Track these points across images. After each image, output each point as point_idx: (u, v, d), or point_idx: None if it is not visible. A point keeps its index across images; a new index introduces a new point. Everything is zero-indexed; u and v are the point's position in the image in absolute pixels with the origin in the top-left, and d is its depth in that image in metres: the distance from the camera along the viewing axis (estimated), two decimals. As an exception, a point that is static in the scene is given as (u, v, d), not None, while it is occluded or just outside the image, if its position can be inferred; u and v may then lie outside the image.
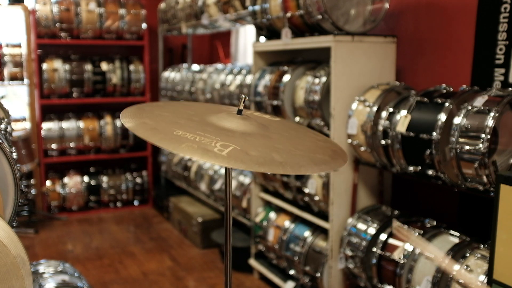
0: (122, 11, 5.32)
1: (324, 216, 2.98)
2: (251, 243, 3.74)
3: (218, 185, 4.39)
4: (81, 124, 5.35)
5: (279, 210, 3.50)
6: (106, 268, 3.94)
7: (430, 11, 2.88)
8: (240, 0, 4.00)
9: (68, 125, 5.32)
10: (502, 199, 1.82)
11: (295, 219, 3.31)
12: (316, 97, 2.91)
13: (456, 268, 1.07)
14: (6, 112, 2.06)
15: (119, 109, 1.36)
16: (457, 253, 2.24)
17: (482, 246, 2.23)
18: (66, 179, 5.34)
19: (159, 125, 1.23)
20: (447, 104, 2.22)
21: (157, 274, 3.83)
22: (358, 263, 2.69)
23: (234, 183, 4.12)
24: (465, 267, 2.15)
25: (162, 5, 5.57)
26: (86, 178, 5.43)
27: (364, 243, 2.65)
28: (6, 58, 5.17)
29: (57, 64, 5.20)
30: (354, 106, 2.71)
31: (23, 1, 5.23)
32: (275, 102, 3.20)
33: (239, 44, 5.30)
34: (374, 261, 2.58)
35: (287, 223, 3.33)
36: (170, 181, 5.68)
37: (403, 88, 2.70)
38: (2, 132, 1.65)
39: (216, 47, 5.96)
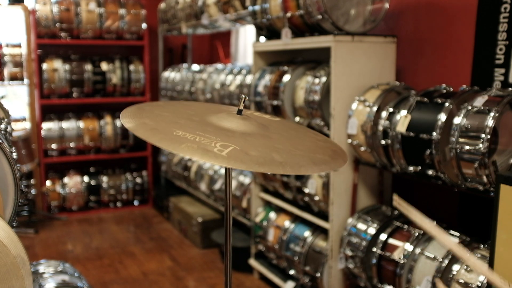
0: (122, 11, 5.32)
1: (324, 216, 2.98)
2: (251, 243, 3.74)
3: (218, 185, 4.39)
4: (81, 124, 5.35)
5: (279, 210, 3.50)
6: (106, 268, 3.94)
7: (430, 11, 2.89)
8: (240, 0, 4.00)
9: (68, 125, 5.32)
10: (502, 199, 1.82)
11: (295, 219, 3.31)
12: (316, 97, 2.91)
13: (466, 254, 1.06)
14: (6, 112, 2.06)
15: (119, 109, 1.36)
16: (457, 253, 2.24)
17: (482, 246, 2.24)
18: (66, 179, 5.34)
19: (159, 125, 1.23)
20: (447, 104, 2.22)
21: (157, 274, 3.83)
22: (358, 263, 2.69)
23: (234, 183, 4.12)
24: (465, 267, 2.15)
25: (162, 5, 5.57)
26: (86, 178, 5.43)
27: (364, 243, 2.65)
28: (6, 58, 5.17)
29: (57, 64, 5.20)
30: (354, 106, 2.71)
31: (23, 1, 5.23)
32: (275, 102, 3.20)
33: (239, 44, 5.30)
34: (374, 261, 2.58)
35: (287, 223, 3.33)
36: (170, 181, 5.68)
37: (403, 88, 2.70)
38: (2, 132, 1.65)
39: (216, 47, 5.96)
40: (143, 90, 5.57)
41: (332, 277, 2.91)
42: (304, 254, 3.08)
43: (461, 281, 2.12)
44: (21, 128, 5.23)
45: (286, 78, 3.15)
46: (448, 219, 2.70)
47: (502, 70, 2.44)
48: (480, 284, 2.05)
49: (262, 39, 3.54)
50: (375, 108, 2.58)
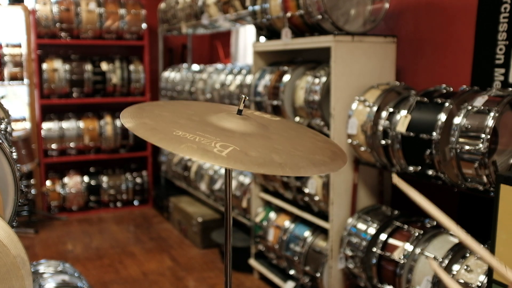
0: (122, 11, 5.32)
1: (324, 216, 2.98)
2: (251, 243, 3.74)
3: (218, 185, 4.39)
4: (81, 124, 5.35)
5: (279, 210, 3.50)
6: (106, 268, 3.94)
7: (430, 11, 2.88)
8: (240, 0, 4.00)
9: (68, 125, 5.32)
10: (502, 199, 1.82)
11: (295, 219, 3.31)
12: (316, 97, 2.91)
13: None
14: (6, 112, 2.06)
15: (119, 109, 1.36)
16: (457, 253, 2.24)
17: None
18: (66, 179, 5.34)
19: (159, 125, 1.23)
20: (447, 104, 2.22)
21: (157, 274, 3.83)
22: (358, 263, 2.69)
23: (234, 183, 4.12)
24: (465, 267, 2.15)
25: (162, 5, 5.57)
26: (86, 178, 5.43)
27: (364, 243, 2.65)
28: (6, 58, 5.17)
29: (57, 64, 5.20)
30: (354, 106, 2.71)
31: (23, 1, 5.23)
32: (275, 102, 3.20)
33: (239, 44, 5.30)
34: (374, 261, 2.58)
35: (287, 223, 3.33)
36: (170, 181, 5.68)
37: (403, 88, 2.70)
38: (2, 132, 1.65)
39: (216, 47, 5.96)
40: (143, 90, 5.57)
41: (332, 277, 2.91)
42: (304, 254, 3.08)
43: (461, 281, 2.12)
44: (21, 128, 5.23)
45: (286, 78, 3.15)
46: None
47: (502, 70, 2.44)
48: (480, 284, 2.05)
49: (262, 39, 3.54)
50: (375, 108, 2.58)
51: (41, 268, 2.46)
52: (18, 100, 5.38)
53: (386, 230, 2.61)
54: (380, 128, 2.52)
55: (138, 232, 4.87)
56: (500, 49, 2.45)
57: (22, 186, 1.50)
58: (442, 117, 2.20)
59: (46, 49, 5.36)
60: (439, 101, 2.28)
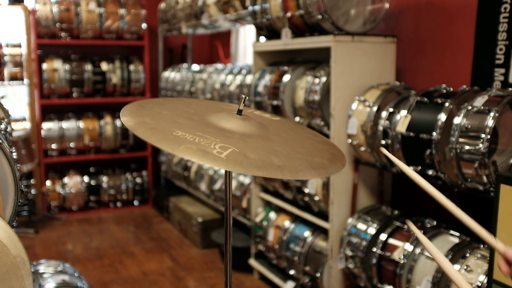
0: (122, 11, 5.32)
1: (324, 216, 2.98)
2: (251, 243, 3.74)
3: (218, 185, 4.39)
4: (81, 124, 5.35)
5: (279, 210, 3.50)
6: (106, 268, 3.94)
7: (430, 11, 2.88)
8: (240, 0, 4.00)
9: (68, 125, 5.32)
10: (502, 199, 1.82)
11: (295, 219, 3.31)
12: (316, 97, 2.91)
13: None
14: (6, 112, 2.06)
15: (119, 109, 1.35)
16: (457, 253, 2.24)
17: (482, 246, 2.24)
18: (66, 179, 5.34)
19: (159, 124, 1.22)
20: (447, 104, 2.22)
21: (157, 274, 3.83)
22: (358, 263, 2.69)
23: (234, 183, 4.12)
24: (465, 267, 2.15)
25: (162, 5, 5.57)
26: (86, 178, 5.43)
27: (364, 243, 2.65)
28: (6, 58, 5.17)
29: (57, 64, 5.20)
30: (354, 106, 2.71)
31: (23, 1, 5.23)
32: (275, 102, 3.20)
33: (239, 44, 5.30)
34: (374, 261, 2.58)
35: (287, 223, 3.32)
36: (170, 181, 5.68)
37: (403, 88, 2.70)
38: (2, 132, 1.65)
39: (216, 47, 5.96)
40: (143, 90, 5.57)
41: (332, 277, 2.91)
42: (304, 254, 3.08)
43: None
44: (21, 128, 5.22)
45: (286, 78, 3.15)
46: (448, 219, 2.70)
47: (502, 70, 2.44)
48: (480, 284, 2.05)
49: (262, 39, 3.54)
50: (375, 108, 2.58)
51: (41, 268, 2.46)
52: (18, 100, 5.38)
53: (386, 230, 2.61)
54: (380, 128, 2.52)
55: (138, 232, 4.87)
56: (500, 49, 2.45)
57: (22, 186, 1.50)
58: (442, 117, 2.20)
59: (46, 49, 5.36)
60: (439, 101, 2.27)
